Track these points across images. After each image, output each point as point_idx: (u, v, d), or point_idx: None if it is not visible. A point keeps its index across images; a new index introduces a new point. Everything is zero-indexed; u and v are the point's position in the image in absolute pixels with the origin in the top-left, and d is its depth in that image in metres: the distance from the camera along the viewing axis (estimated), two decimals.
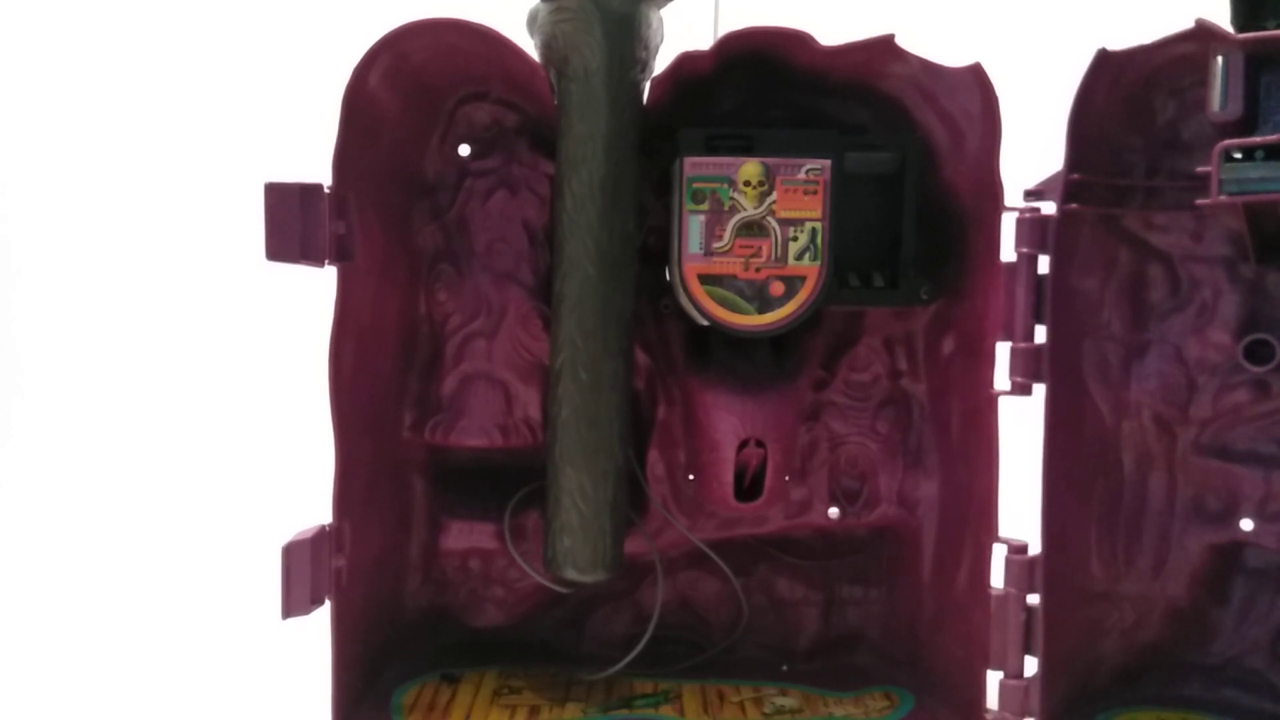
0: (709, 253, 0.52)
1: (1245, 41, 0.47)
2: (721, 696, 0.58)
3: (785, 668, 0.62)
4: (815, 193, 0.52)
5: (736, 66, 0.53)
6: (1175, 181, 0.53)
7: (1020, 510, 0.53)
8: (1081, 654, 0.56)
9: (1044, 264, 0.52)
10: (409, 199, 0.58)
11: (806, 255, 0.52)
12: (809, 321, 0.54)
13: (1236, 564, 0.57)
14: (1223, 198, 0.47)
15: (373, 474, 0.55)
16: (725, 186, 0.52)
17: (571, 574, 0.53)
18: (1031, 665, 0.53)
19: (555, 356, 0.51)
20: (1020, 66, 0.56)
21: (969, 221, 0.55)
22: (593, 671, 0.59)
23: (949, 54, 0.51)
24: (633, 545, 0.58)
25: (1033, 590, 0.52)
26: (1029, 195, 0.54)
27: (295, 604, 0.50)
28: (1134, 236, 0.55)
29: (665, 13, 0.52)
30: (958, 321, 0.57)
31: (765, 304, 0.53)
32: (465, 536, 0.60)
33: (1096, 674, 0.57)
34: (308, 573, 0.50)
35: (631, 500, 0.56)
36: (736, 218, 0.52)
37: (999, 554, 0.53)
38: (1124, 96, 0.52)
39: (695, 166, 0.52)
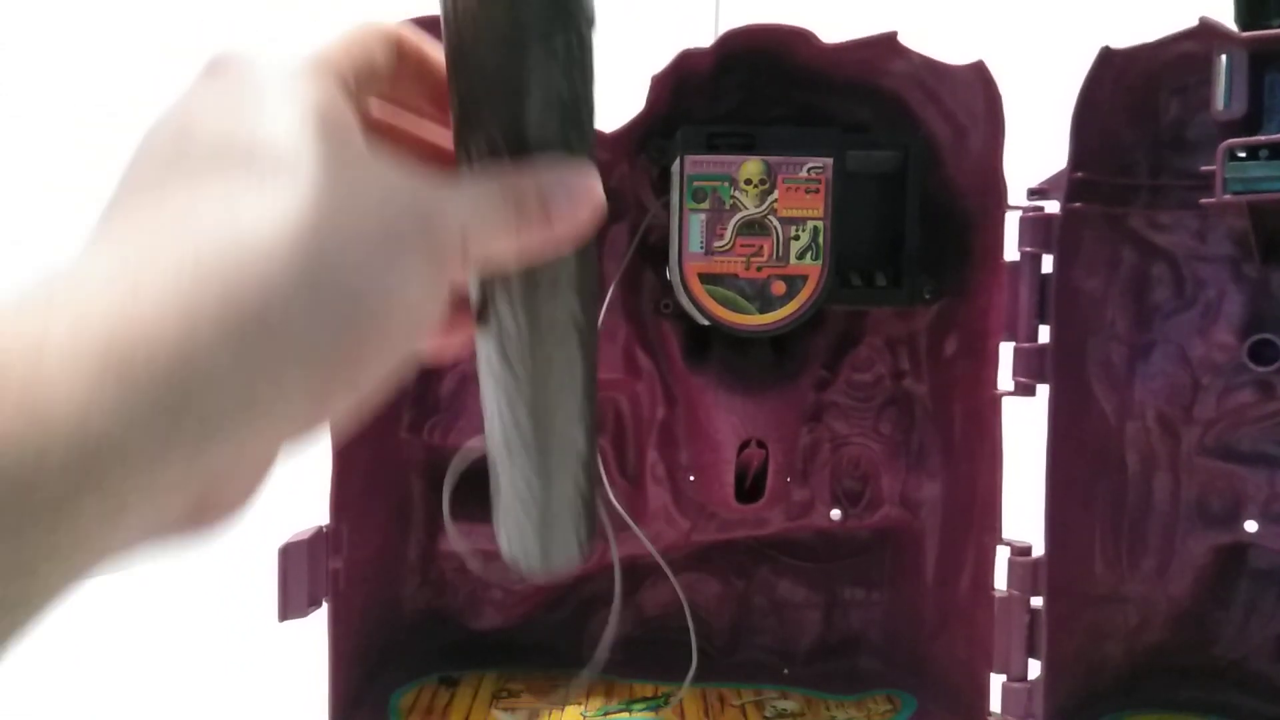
0: (710, 252, 0.52)
1: (1249, 40, 0.47)
2: (722, 700, 0.57)
3: (786, 670, 0.62)
4: (817, 191, 0.52)
5: (738, 64, 0.52)
6: (1179, 180, 0.53)
7: (1024, 512, 0.53)
8: (1085, 656, 0.56)
9: (1047, 263, 0.52)
10: None
11: (808, 254, 0.52)
12: (811, 321, 0.54)
13: (1240, 566, 0.57)
14: (1227, 197, 0.47)
15: (370, 475, 0.55)
16: (726, 185, 0.51)
17: (523, 567, 0.45)
18: (1035, 668, 0.52)
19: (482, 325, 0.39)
20: (1023, 64, 0.55)
21: (972, 220, 0.54)
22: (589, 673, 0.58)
23: (952, 51, 0.51)
24: (632, 547, 0.57)
25: (1036, 592, 0.52)
26: (1032, 194, 0.54)
27: (292, 606, 0.49)
28: (1138, 236, 0.55)
29: (666, 10, 0.51)
30: (961, 321, 0.56)
31: (766, 303, 0.52)
32: (463, 538, 0.59)
33: (1100, 676, 0.57)
34: (305, 574, 0.49)
35: (633, 500, 0.56)
36: (738, 216, 0.52)
37: (1002, 556, 0.53)
38: (1128, 95, 0.52)
39: (696, 165, 0.51)
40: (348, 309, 0.20)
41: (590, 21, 0.27)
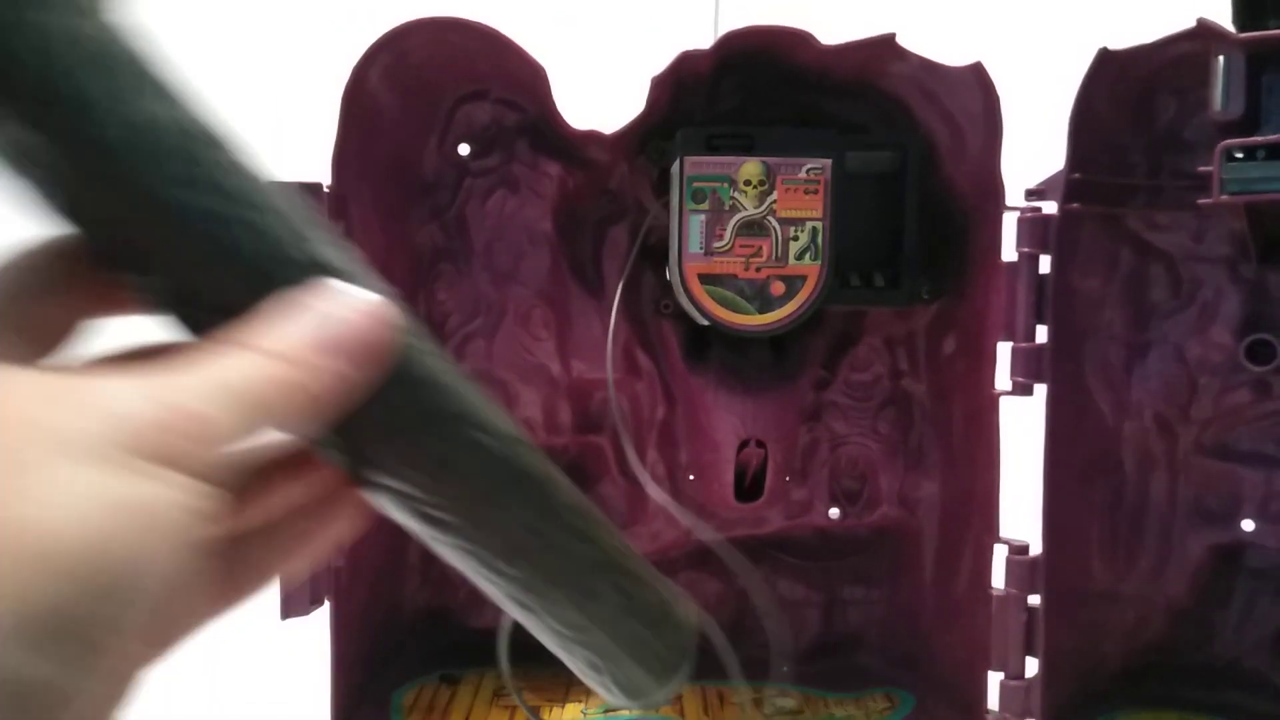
0: (709, 252, 0.52)
1: (1246, 41, 0.47)
2: (722, 697, 0.58)
3: (785, 668, 0.62)
4: (816, 192, 0.52)
5: (737, 65, 0.52)
6: (1177, 181, 0.53)
7: (1021, 511, 0.53)
8: (1083, 655, 0.56)
9: (1045, 264, 0.52)
10: (408, 198, 0.58)
11: (807, 255, 0.52)
12: (810, 321, 0.54)
13: (1238, 565, 0.57)
14: (1224, 197, 0.47)
15: None
16: (726, 186, 0.52)
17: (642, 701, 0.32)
18: (1032, 666, 0.52)
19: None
20: (1022, 65, 0.55)
21: (970, 221, 0.54)
22: None
23: (950, 53, 0.51)
24: (643, 543, 0.57)
25: (1034, 591, 0.52)
26: (1030, 194, 0.54)
27: (294, 605, 0.49)
28: (1135, 236, 0.55)
29: (666, 11, 0.52)
30: (959, 321, 0.57)
31: (766, 304, 0.53)
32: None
33: (1098, 675, 0.57)
34: (306, 573, 0.49)
35: (633, 500, 0.56)
36: (737, 217, 0.52)
37: (1000, 554, 0.53)
38: (1126, 96, 0.52)
39: (695, 166, 0.52)
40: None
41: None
